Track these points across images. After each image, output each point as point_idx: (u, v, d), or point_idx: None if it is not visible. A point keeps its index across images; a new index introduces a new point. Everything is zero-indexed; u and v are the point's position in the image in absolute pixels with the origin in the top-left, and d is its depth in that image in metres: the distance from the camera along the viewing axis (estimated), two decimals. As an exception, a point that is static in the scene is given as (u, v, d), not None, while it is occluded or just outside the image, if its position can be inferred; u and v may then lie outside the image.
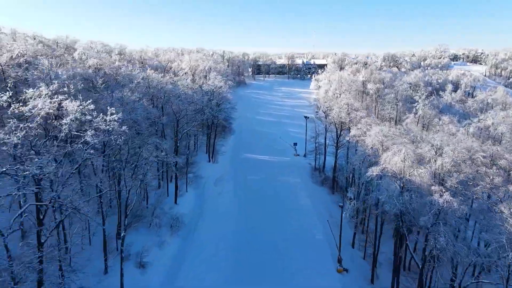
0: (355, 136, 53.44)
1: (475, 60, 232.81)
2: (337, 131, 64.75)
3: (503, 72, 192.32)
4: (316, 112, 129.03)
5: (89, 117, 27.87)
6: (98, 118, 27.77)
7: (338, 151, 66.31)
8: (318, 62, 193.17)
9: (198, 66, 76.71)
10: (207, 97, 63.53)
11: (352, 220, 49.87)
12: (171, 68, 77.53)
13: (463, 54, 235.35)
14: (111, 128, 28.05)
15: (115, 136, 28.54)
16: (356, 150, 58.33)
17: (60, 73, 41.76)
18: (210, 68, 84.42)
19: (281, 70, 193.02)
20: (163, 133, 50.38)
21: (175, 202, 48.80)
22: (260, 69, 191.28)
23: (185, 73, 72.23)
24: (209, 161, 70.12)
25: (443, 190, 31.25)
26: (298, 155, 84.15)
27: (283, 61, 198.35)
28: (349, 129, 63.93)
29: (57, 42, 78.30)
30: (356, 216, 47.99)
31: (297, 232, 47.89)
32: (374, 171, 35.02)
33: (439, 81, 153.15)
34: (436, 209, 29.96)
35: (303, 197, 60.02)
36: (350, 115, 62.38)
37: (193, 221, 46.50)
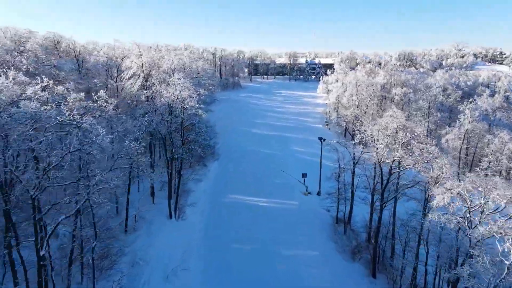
0: (446, 206, 24.77)
1: (494, 60, 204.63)
2: (382, 177, 35.97)
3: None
4: (326, 122, 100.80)
5: None
6: None
7: (384, 205, 37.69)
8: (323, 61, 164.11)
9: (159, 64, 47.83)
10: (161, 117, 35.20)
11: None
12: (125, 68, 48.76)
13: (480, 53, 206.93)
14: None
15: None
16: (443, 233, 29.04)
17: None
18: (183, 67, 55.81)
19: (282, 71, 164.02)
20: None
21: None
22: (257, 69, 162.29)
23: (133, 75, 43.58)
24: (171, 217, 41.47)
25: None
26: (309, 193, 55.57)
27: (283, 60, 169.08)
28: (398, 168, 35.31)
29: None
30: None
31: None
32: None
33: (468, 83, 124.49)
34: None
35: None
36: (409, 148, 33.67)
37: None
